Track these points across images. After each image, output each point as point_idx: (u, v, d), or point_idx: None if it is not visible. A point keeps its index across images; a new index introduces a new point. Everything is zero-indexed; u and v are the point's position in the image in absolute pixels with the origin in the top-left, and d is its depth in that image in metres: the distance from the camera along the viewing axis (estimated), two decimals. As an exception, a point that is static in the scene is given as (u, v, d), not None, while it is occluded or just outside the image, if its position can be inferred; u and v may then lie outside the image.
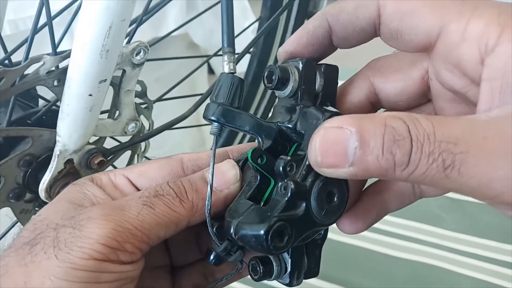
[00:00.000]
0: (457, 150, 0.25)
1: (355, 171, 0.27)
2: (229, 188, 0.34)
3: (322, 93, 0.35)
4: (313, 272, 0.36)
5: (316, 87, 0.35)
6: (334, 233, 0.92)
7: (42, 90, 0.48)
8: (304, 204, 0.31)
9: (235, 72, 0.35)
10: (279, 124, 0.35)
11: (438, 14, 0.29)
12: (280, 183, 0.32)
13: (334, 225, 0.35)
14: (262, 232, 0.30)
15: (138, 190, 0.36)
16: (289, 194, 0.31)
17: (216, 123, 0.34)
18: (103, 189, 0.35)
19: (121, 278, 0.30)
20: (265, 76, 0.35)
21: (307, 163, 0.31)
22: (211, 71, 1.58)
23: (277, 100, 0.37)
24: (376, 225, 1.08)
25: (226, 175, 0.34)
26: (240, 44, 0.85)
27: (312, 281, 0.82)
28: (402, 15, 0.31)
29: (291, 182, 0.31)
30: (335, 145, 0.27)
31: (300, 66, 0.34)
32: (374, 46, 0.37)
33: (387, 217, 0.95)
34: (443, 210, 0.98)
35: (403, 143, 0.26)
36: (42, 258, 0.29)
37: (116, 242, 0.29)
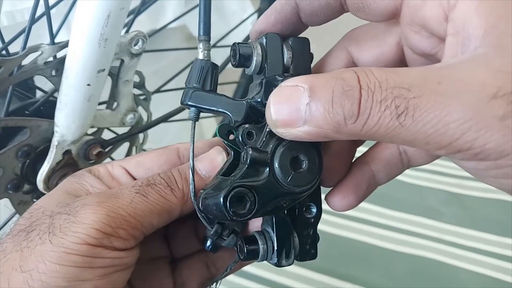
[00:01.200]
0: (411, 95, 0.24)
1: (309, 129, 0.26)
2: None
3: (293, 66, 0.35)
4: (309, 254, 0.35)
5: (285, 61, 0.35)
6: (333, 227, 0.93)
7: (39, 82, 0.48)
8: (267, 170, 0.31)
9: (209, 60, 0.35)
10: (248, 100, 0.35)
11: None
12: (242, 152, 0.32)
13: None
14: (221, 199, 0.30)
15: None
16: (248, 160, 0.31)
17: (192, 108, 0.34)
18: (100, 180, 0.35)
19: (114, 264, 0.30)
20: (231, 55, 0.35)
21: (267, 129, 0.32)
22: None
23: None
24: (376, 219, 1.08)
25: (214, 161, 0.35)
26: (240, 35, 0.85)
27: (311, 274, 0.82)
28: None
29: (250, 149, 0.31)
30: (288, 103, 0.26)
31: (264, 41, 0.34)
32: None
33: (386, 211, 0.95)
34: (443, 204, 0.98)
35: (351, 93, 0.25)
36: (37, 243, 0.29)
37: (109, 228, 0.30)
